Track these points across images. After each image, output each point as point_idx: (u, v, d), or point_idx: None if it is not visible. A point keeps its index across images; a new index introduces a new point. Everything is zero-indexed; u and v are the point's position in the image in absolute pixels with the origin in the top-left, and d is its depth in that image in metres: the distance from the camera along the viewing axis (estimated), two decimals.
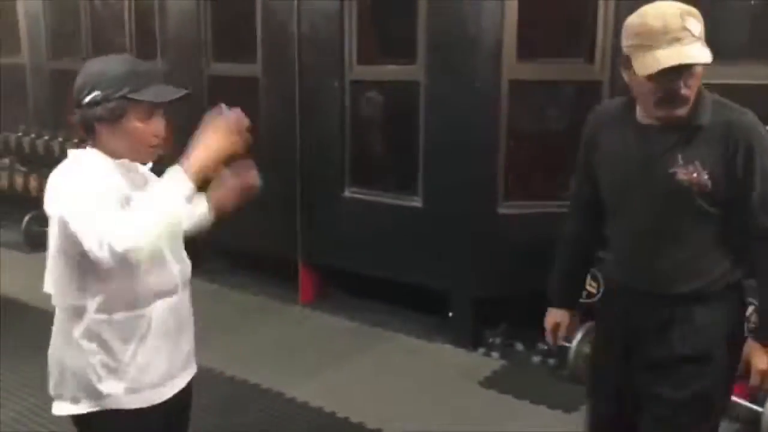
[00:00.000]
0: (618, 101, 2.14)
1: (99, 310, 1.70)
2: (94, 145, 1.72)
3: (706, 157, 1.91)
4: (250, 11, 4.92)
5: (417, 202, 4.40)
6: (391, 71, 4.46)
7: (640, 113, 1.99)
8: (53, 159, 6.36)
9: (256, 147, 4.99)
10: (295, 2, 4.61)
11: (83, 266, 1.66)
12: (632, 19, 1.91)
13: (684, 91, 1.85)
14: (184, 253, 1.90)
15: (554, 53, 4.19)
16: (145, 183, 1.80)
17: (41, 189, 5.60)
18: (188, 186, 1.61)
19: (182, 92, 1.75)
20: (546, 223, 4.06)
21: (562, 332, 2.36)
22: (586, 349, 3.85)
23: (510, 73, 4.05)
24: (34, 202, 6.38)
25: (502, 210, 4.19)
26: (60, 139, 6.44)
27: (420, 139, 4.32)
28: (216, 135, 1.64)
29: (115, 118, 1.67)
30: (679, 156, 1.92)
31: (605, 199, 2.12)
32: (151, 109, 1.70)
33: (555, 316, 2.37)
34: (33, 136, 6.64)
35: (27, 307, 4.88)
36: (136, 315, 1.73)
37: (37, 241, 6.32)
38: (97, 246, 1.52)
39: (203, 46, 5.26)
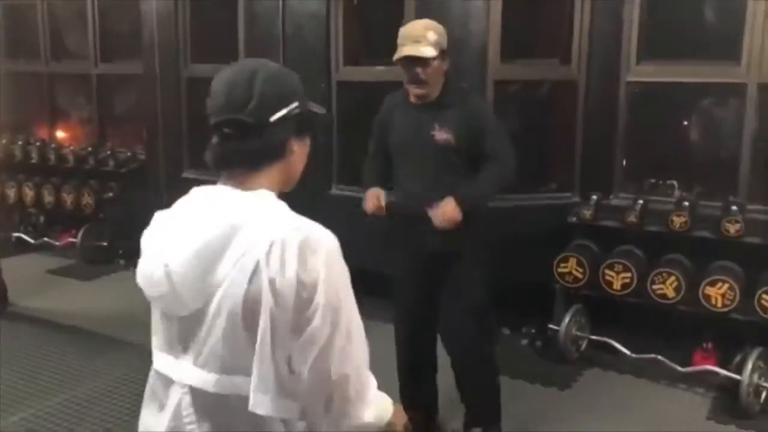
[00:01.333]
0: (400, 92, 3.11)
1: None
2: (267, 175, 1.38)
3: (452, 124, 2.95)
4: (231, 12, 4.99)
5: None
6: (377, 72, 4.62)
7: (412, 97, 3.02)
8: (14, 162, 6.25)
9: None
10: (280, 3, 4.71)
11: None
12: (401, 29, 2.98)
13: (420, 75, 2.90)
14: None
15: (534, 54, 4.45)
16: None
17: (2, 194, 5.48)
18: None
19: (323, 107, 1.55)
20: (529, 215, 4.34)
21: (381, 199, 3.06)
22: (573, 330, 4.14)
23: (495, 74, 4.28)
24: None
25: None
26: (20, 142, 6.35)
27: None
28: None
29: (308, 131, 1.45)
30: (436, 124, 2.96)
31: (393, 157, 3.14)
32: None
33: (374, 191, 3.10)
34: None
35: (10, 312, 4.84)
36: None
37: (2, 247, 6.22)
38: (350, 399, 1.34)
39: (182, 48, 5.28)
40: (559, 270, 4.09)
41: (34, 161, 6.22)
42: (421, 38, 2.90)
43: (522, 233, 4.30)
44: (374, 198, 3.09)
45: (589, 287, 4.05)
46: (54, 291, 5.37)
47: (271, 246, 1.24)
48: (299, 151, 1.42)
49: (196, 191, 1.38)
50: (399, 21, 4.37)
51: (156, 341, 1.41)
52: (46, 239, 6.17)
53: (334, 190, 4.82)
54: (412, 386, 3.31)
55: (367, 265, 4.82)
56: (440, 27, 2.97)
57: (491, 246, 3.22)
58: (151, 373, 1.43)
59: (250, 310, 1.24)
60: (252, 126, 1.32)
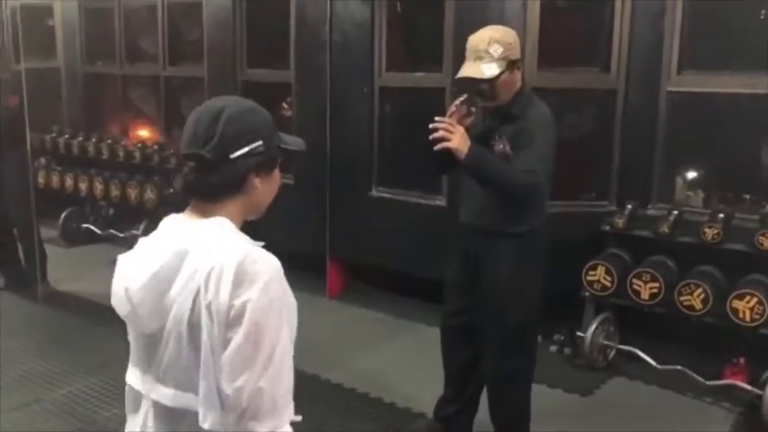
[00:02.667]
0: None
1: None
2: (223, 206, 1.45)
3: (511, 135, 2.87)
4: (284, 19, 5.21)
5: (441, 202, 4.68)
6: (417, 78, 4.74)
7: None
8: (87, 158, 6.68)
9: (289, 150, 5.26)
10: (328, 10, 4.90)
11: None
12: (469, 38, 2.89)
13: (486, 92, 2.85)
14: None
15: (572, 62, 4.47)
16: None
17: (76, 186, 5.92)
18: None
19: (302, 144, 1.60)
20: (564, 222, 4.36)
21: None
22: (600, 339, 4.13)
23: (531, 81, 4.32)
24: (70, 199, 6.70)
25: None
26: (93, 140, 6.76)
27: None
28: None
29: (271, 168, 1.50)
30: (496, 134, 2.92)
31: None
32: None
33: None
34: (67, 136, 6.96)
35: (69, 296, 5.20)
36: None
37: (74, 236, 6.66)
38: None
39: (238, 53, 5.55)
40: (588, 278, 4.10)
41: (104, 157, 6.63)
42: (483, 53, 2.78)
43: (557, 240, 4.29)
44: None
45: (618, 296, 4.05)
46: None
47: (210, 271, 1.33)
48: (263, 187, 1.48)
49: (165, 219, 1.48)
50: (440, 28, 4.52)
51: (131, 356, 1.54)
52: (112, 231, 6.56)
53: (374, 192, 4.96)
54: (452, 392, 3.33)
55: (405, 268, 5.00)
56: (509, 35, 2.83)
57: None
58: (127, 386, 1.55)
59: (193, 331, 1.34)
60: (211, 161, 1.40)
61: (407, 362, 4.25)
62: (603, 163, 4.52)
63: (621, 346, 4.18)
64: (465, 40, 4.32)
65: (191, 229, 1.42)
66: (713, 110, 4.28)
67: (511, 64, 2.82)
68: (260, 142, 1.44)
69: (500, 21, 4.24)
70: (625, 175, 4.45)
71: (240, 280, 1.32)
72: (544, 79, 4.35)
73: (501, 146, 2.89)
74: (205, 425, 1.34)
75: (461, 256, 3.16)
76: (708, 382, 3.80)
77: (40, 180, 6.86)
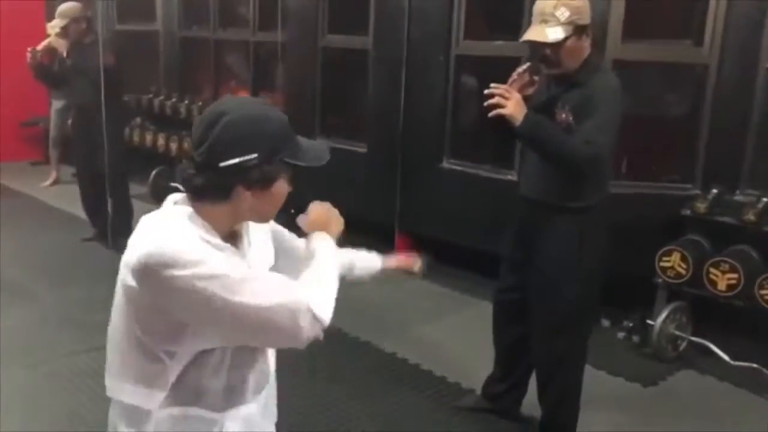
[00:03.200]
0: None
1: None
2: (203, 209, 1.43)
3: (575, 105, 2.70)
4: None
5: (513, 176, 4.52)
6: (495, 47, 4.58)
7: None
8: (179, 119, 6.92)
9: (364, 117, 5.23)
10: None
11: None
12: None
13: (550, 57, 2.69)
14: None
15: (661, 34, 4.18)
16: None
17: (167, 146, 6.16)
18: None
19: (328, 154, 1.52)
20: (642, 204, 4.14)
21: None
22: (671, 328, 3.91)
23: (614, 52, 4.09)
24: (161, 158, 6.97)
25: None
26: (186, 102, 6.98)
27: None
28: (333, 221, 1.62)
29: (267, 183, 1.42)
30: (560, 102, 2.75)
31: None
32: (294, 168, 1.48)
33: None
34: (162, 98, 7.23)
35: None
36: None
37: (162, 194, 6.89)
38: (294, 322, 1.36)
39: (320, 19, 5.55)
40: (662, 264, 3.88)
41: (195, 119, 6.83)
42: (549, 17, 2.65)
43: (634, 222, 4.11)
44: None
45: (693, 285, 3.80)
46: None
47: (130, 257, 1.37)
48: (253, 200, 1.42)
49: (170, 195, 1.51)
50: None
51: None
52: None
53: (445, 164, 4.87)
54: (501, 370, 3.28)
55: (473, 243, 4.88)
56: (585, 1, 2.70)
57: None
58: None
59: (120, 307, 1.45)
60: (199, 165, 1.39)
61: (465, 337, 4.18)
62: (690, 144, 4.23)
63: (693, 338, 3.94)
64: None
65: (155, 217, 1.44)
66: None
67: (578, 30, 2.67)
68: (254, 155, 1.37)
69: None
70: (714, 158, 4.14)
71: (139, 274, 1.35)
72: (629, 50, 4.11)
73: (563, 115, 2.74)
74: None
75: (516, 229, 3.05)
76: None
77: (135, 138, 7.19)
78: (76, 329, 4.02)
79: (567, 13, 2.63)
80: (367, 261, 1.98)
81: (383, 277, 2.06)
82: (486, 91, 2.65)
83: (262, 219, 1.54)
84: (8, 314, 4.16)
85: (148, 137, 7.08)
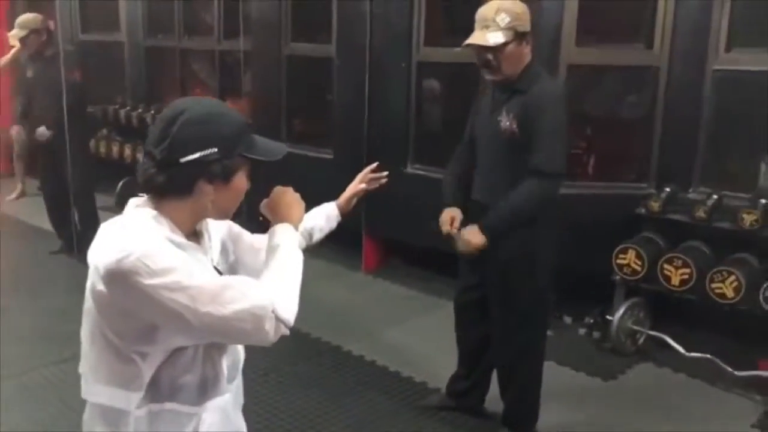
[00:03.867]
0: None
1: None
2: (166, 207, 1.48)
3: (518, 112, 2.78)
4: None
5: None
6: (455, 54, 4.67)
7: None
8: (146, 129, 6.91)
9: (329, 124, 5.28)
10: None
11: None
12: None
13: (491, 62, 2.78)
14: None
15: (612, 38, 4.32)
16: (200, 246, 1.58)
17: (134, 157, 6.14)
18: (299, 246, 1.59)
19: (285, 150, 1.60)
20: (600, 204, 4.26)
21: (456, 224, 2.99)
22: (629, 323, 4.04)
23: (569, 57, 4.22)
24: (127, 169, 6.95)
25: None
26: (152, 112, 6.97)
27: None
28: (295, 206, 1.64)
29: (227, 176, 1.48)
30: (504, 109, 2.83)
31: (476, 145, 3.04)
32: (253, 164, 1.54)
33: (450, 211, 3.03)
34: (128, 108, 7.21)
35: None
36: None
37: None
38: (259, 327, 1.39)
39: (283, 27, 5.60)
40: (618, 261, 4.00)
41: None
42: (490, 22, 2.73)
43: (591, 222, 4.23)
44: (448, 220, 2.99)
45: (648, 281, 3.93)
46: None
47: (98, 262, 1.41)
48: (219, 194, 1.48)
49: (131, 199, 1.55)
50: (479, 2, 4.44)
51: None
52: None
53: (409, 169, 4.96)
54: (464, 369, 3.36)
55: (439, 245, 4.93)
56: (517, 7, 2.75)
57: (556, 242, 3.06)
58: None
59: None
60: (160, 162, 1.43)
61: (431, 339, 4.25)
62: (644, 144, 4.37)
63: (651, 332, 4.07)
64: None
65: (117, 220, 1.49)
66: (763, 90, 4.07)
67: (518, 36, 2.74)
68: (214, 150, 1.43)
69: None
70: (667, 157, 4.29)
71: (107, 279, 1.39)
72: (583, 55, 4.24)
73: (507, 123, 2.82)
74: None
75: None
76: (738, 373, 3.66)
77: (101, 150, 7.17)
78: (46, 341, 4.03)
79: (507, 19, 2.71)
80: (324, 219, 2.04)
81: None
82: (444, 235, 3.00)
83: (224, 214, 1.58)
84: None
85: (115, 148, 7.07)
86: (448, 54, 4.73)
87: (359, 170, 5.30)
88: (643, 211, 4.12)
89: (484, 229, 2.86)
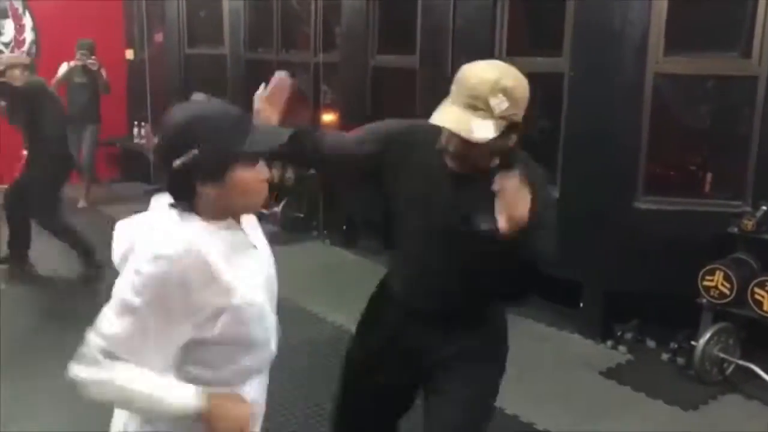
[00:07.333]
0: (432, 128, 1.88)
1: None
2: (191, 208, 1.50)
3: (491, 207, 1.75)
4: (411, 5, 5.24)
5: (554, 192, 4.47)
6: (538, 63, 4.57)
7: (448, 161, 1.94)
8: None
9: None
10: None
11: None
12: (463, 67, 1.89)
13: (462, 152, 1.85)
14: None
15: (705, 46, 4.06)
16: (246, 246, 1.58)
17: None
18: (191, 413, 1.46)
19: (283, 138, 1.66)
20: (684, 221, 4.03)
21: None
22: (715, 350, 3.77)
23: (656, 66, 4.01)
24: None
25: (639, 204, 4.16)
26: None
27: (562, 130, 4.40)
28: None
29: (219, 174, 1.45)
30: (481, 204, 1.79)
31: (394, 210, 2.07)
32: (255, 155, 1.50)
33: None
34: None
35: None
36: None
37: None
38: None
39: (370, 39, 5.67)
40: (705, 283, 3.75)
41: None
42: (481, 103, 1.79)
43: (680, 240, 4.02)
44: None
45: (737, 305, 3.66)
46: None
47: (144, 256, 1.43)
48: (216, 194, 1.46)
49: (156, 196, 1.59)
50: (560, 12, 4.32)
51: None
52: None
53: None
54: None
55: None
56: (520, 88, 1.82)
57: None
58: None
59: None
60: (162, 169, 1.47)
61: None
62: (738, 159, 4.08)
63: (739, 362, 3.77)
64: (586, 23, 4.18)
65: (143, 217, 1.53)
66: None
67: (510, 128, 1.83)
68: (194, 151, 1.42)
69: (624, 1, 4.00)
70: (764, 173, 3.98)
71: (134, 272, 1.42)
72: (670, 64, 4.02)
73: (485, 226, 1.80)
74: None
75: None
76: None
77: None
78: None
79: (505, 105, 1.79)
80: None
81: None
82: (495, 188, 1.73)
83: (243, 210, 1.57)
84: None
85: None
86: (532, 63, 4.62)
87: None
88: (735, 230, 3.85)
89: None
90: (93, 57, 7.19)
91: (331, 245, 6.21)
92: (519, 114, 1.84)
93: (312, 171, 5.16)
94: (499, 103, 1.79)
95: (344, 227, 6.17)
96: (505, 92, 1.79)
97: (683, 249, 3.99)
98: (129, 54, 8.87)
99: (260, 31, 7.66)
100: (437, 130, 1.89)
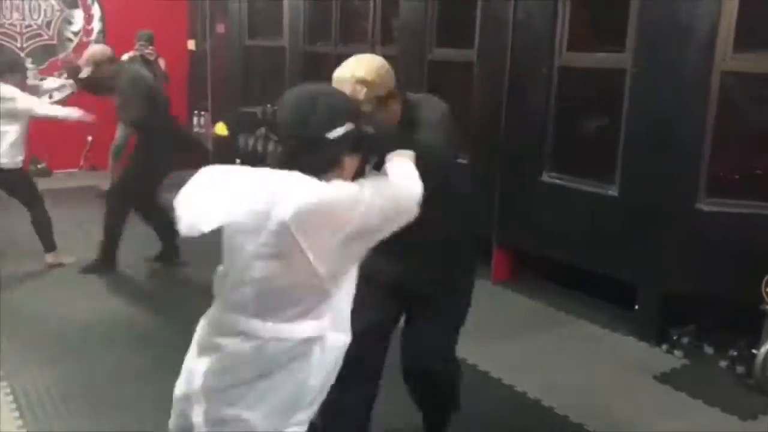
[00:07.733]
0: None
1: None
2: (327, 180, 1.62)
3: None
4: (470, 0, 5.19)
5: (613, 192, 4.38)
6: (599, 58, 4.47)
7: None
8: None
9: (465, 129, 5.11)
10: None
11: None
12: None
13: None
14: None
15: None
16: None
17: None
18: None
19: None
20: (746, 224, 3.89)
21: None
22: None
23: (723, 64, 3.88)
24: None
25: (701, 206, 4.03)
26: None
27: (622, 128, 4.29)
28: None
29: (358, 147, 1.68)
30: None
31: None
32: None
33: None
34: None
35: None
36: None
37: None
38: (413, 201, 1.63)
39: (428, 33, 5.63)
40: (767, 289, 3.61)
41: None
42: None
43: (743, 244, 3.90)
44: None
45: None
46: None
47: (301, 205, 1.57)
48: (349, 166, 1.67)
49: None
50: (626, 7, 4.21)
51: None
52: None
53: (545, 178, 4.78)
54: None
55: (571, 259, 4.68)
56: (372, 71, 2.17)
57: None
58: None
59: None
60: (312, 141, 1.59)
61: (555, 355, 4.06)
62: None
63: None
64: (651, 18, 4.06)
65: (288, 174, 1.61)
66: None
67: (380, 101, 2.19)
68: (351, 124, 1.63)
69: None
70: None
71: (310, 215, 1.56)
72: (739, 62, 3.88)
73: None
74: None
75: None
76: None
77: (259, 148, 7.59)
78: None
79: (364, 91, 2.13)
80: None
81: None
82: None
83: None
84: None
85: (270, 147, 7.46)
86: (592, 59, 4.53)
87: (494, 177, 5.26)
88: None
89: None
90: (151, 47, 7.36)
91: None
92: (380, 88, 2.18)
93: None
94: (359, 93, 2.11)
95: None
96: (362, 81, 2.13)
97: (746, 253, 3.86)
98: (191, 45, 9.05)
99: (319, 24, 7.72)
100: None
